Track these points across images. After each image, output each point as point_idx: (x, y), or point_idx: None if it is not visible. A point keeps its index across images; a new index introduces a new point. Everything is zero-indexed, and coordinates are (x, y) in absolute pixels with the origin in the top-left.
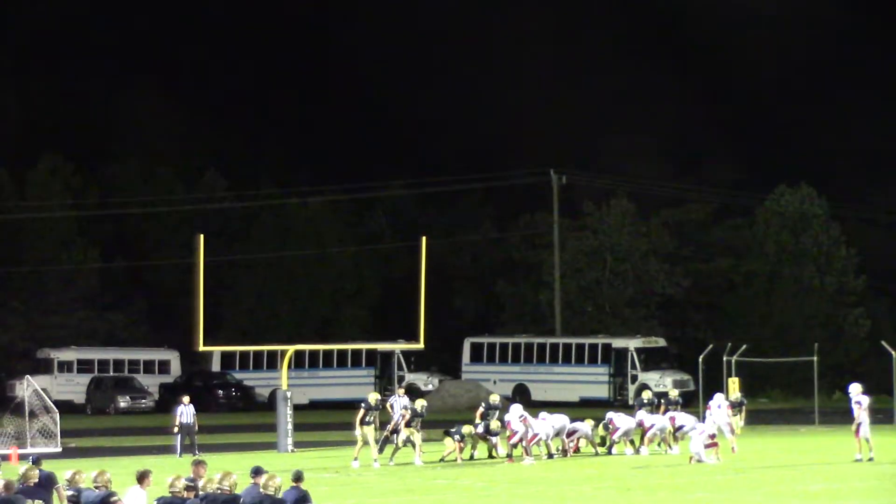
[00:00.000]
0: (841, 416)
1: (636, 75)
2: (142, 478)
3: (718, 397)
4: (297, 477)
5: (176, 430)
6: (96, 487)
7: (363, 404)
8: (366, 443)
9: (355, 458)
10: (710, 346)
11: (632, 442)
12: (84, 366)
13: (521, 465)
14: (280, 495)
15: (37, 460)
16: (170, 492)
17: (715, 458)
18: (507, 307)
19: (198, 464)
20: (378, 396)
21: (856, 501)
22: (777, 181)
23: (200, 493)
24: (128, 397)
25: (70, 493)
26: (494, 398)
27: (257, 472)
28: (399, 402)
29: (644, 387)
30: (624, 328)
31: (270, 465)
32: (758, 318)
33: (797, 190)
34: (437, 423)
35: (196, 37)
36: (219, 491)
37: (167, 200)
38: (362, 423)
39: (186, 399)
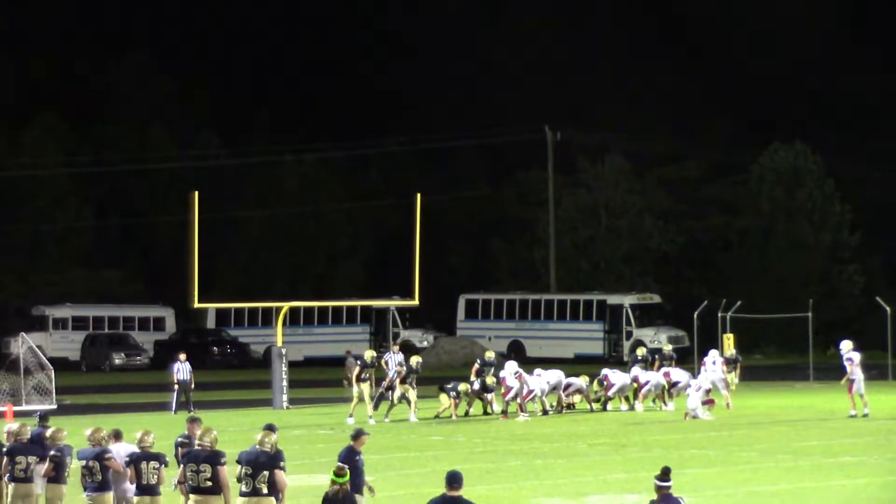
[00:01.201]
0: (836, 372)
1: (632, 32)
2: (118, 435)
3: (713, 353)
4: (357, 434)
5: (176, 386)
6: (91, 445)
7: (359, 361)
8: (361, 399)
9: (350, 415)
10: (705, 302)
11: (626, 398)
12: (79, 323)
13: (517, 422)
14: (274, 451)
15: (44, 416)
16: (140, 447)
17: (709, 415)
18: (502, 264)
19: (193, 421)
20: (374, 353)
21: (851, 457)
22: (771, 138)
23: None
24: (123, 354)
25: (52, 452)
26: (490, 355)
27: (270, 428)
28: (394, 359)
29: (639, 343)
30: (619, 285)
31: (265, 422)
32: (752, 274)
33: (791, 146)
34: (433, 379)
35: None
36: (199, 447)
37: (161, 158)
38: (359, 379)
39: (183, 356)
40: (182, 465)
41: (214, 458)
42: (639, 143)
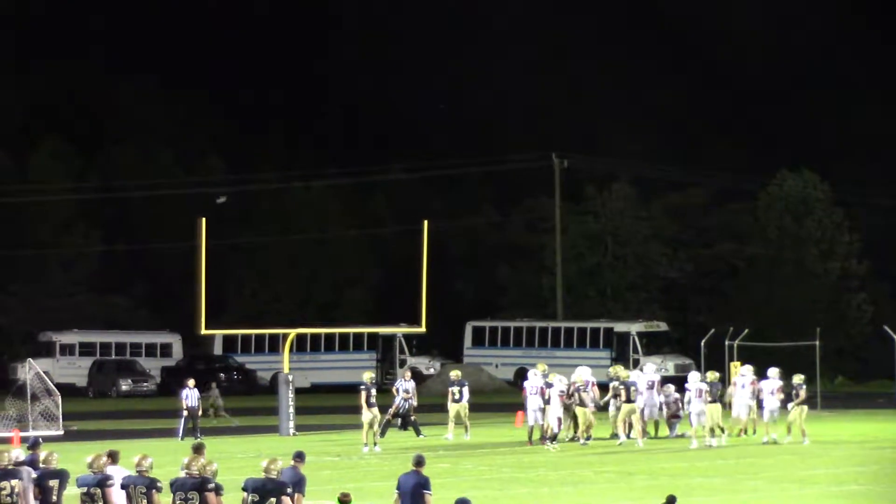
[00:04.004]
0: (843, 400)
1: (638, 60)
2: (114, 456)
3: (694, 378)
4: (419, 461)
5: (185, 412)
6: (92, 472)
7: (362, 387)
8: (371, 426)
9: (365, 444)
10: (712, 330)
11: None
12: (86, 349)
13: (527, 449)
14: (281, 478)
15: (34, 443)
16: (136, 471)
17: (716, 441)
18: (509, 291)
19: (198, 448)
20: (371, 374)
21: (857, 486)
22: (779, 166)
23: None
24: (129, 380)
25: (34, 475)
26: (456, 373)
27: (299, 455)
28: (404, 386)
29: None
30: (626, 312)
31: (272, 449)
32: (760, 302)
33: (799, 175)
34: (439, 407)
35: (195, 20)
36: (187, 475)
37: (168, 184)
38: (368, 405)
39: (192, 383)
40: (172, 494)
41: (202, 485)
42: (646, 170)
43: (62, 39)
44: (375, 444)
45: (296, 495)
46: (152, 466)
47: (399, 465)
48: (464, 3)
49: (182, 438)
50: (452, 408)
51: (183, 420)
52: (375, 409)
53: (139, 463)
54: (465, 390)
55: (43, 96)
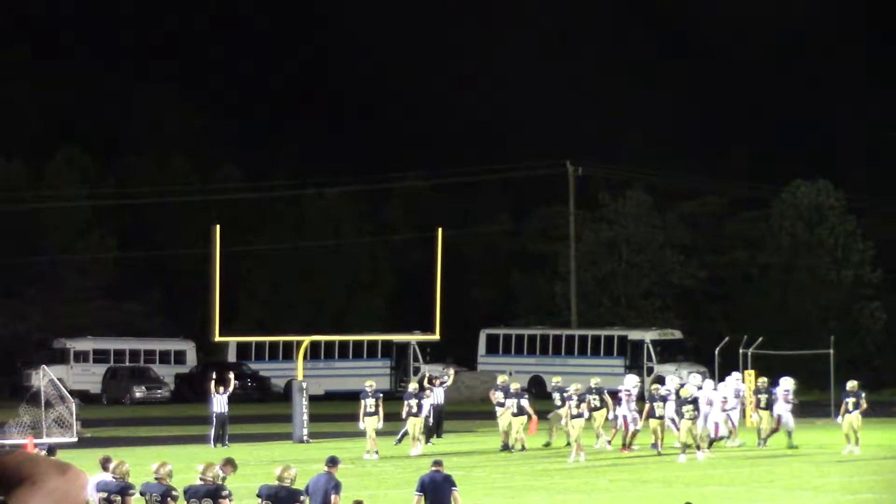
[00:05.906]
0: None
1: (653, 68)
2: (105, 462)
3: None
4: (438, 462)
5: (214, 419)
6: (115, 478)
7: (360, 395)
8: (373, 434)
9: (367, 452)
10: (726, 338)
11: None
12: (100, 356)
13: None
14: (295, 486)
15: (51, 450)
16: (154, 478)
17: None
18: (523, 298)
19: (226, 463)
20: (371, 382)
21: (872, 494)
22: (793, 174)
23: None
24: (143, 387)
25: None
26: (413, 386)
27: (332, 461)
28: (436, 393)
29: (660, 379)
30: (640, 320)
31: (286, 456)
32: (773, 310)
33: (814, 183)
34: (452, 414)
35: (211, 27)
36: (201, 482)
37: (183, 191)
38: (366, 414)
39: (221, 388)
40: (185, 502)
41: (216, 492)
42: (660, 177)
43: (77, 47)
44: (376, 451)
45: (332, 496)
46: (171, 474)
47: (413, 473)
48: (480, 11)
49: (215, 445)
50: (411, 422)
51: (214, 427)
52: (375, 418)
53: (157, 470)
54: (425, 402)
55: (58, 103)
